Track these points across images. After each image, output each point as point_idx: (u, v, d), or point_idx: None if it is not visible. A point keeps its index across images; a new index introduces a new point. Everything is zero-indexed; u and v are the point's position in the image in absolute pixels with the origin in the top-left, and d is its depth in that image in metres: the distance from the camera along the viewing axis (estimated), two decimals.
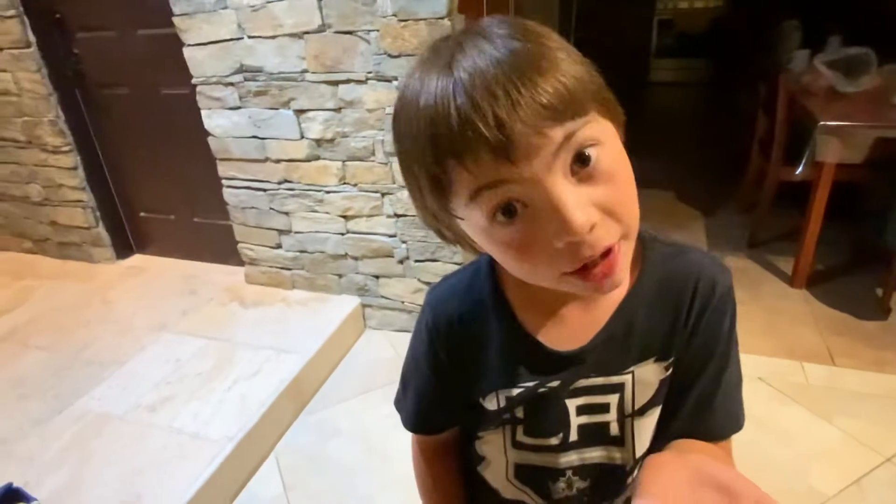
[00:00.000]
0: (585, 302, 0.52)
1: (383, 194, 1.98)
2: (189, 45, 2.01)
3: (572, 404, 0.53)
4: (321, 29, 1.78)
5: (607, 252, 0.40)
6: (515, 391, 0.54)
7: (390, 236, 2.05)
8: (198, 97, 2.09)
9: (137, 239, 2.86)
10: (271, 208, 2.20)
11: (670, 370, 0.52)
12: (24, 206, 2.83)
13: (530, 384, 0.53)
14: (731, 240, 2.71)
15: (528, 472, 0.58)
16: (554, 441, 0.55)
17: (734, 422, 0.54)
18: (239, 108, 2.04)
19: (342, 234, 2.13)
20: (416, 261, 2.05)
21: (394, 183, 1.95)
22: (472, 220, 0.41)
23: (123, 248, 2.84)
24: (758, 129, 2.80)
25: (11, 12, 2.29)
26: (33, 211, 2.82)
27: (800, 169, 2.08)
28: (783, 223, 2.69)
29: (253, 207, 2.24)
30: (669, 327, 0.51)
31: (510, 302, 0.54)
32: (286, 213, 2.18)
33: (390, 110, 1.80)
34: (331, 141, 1.96)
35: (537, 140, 0.37)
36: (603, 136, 0.40)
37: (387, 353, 2.13)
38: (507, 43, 0.38)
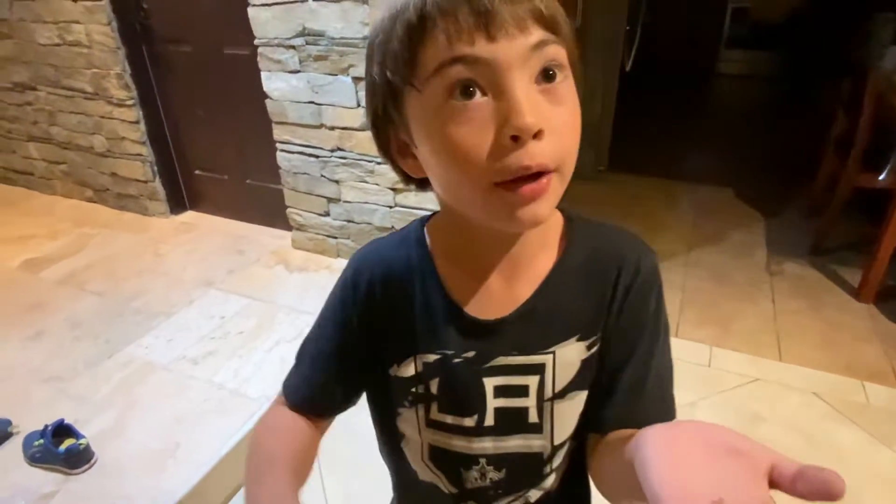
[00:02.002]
0: (510, 274, 0.51)
1: None
2: (253, 5, 2.00)
3: (490, 384, 0.51)
4: None
5: (539, 175, 0.40)
6: (432, 357, 0.52)
7: None
8: (258, 59, 2.10)
9: (191, 196, 2.93)
10: (322, 175, 2.20)
11: (593, 349, 0.51)
12: (88, 156, 2.93)
13: (448, 352, 0.52)
14: (793, 244, 2.57)
15: (441, 456, 0.56)
16: (469, 422, 0.53)
17: (666, 410, 0.52)
18: (298, 72, 2.03)
19: (390, 207, 2.11)
20: None
21: None
22: (427, 95, 0.41)
23: (177, 204, 2.92)
24: (835, 129, 2.62)
25: None
26: (96, 161, 2.92)
27: (883, 175, 1.94)
28: (852, 231, 2.52)
29: (304, 173, 2.24)
30: (594, 306, 0.51)
31: (437, 266, 0.53)
32: (336, 182, 2.18)
33: None
34: None
35: (517, 26, 0.39)
36: (567, 68, 0.43)
37: None
38: None
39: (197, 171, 2.83)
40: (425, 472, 0.58)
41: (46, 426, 1.45)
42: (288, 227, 2.47)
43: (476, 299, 0.51)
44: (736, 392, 1.74)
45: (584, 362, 0.51)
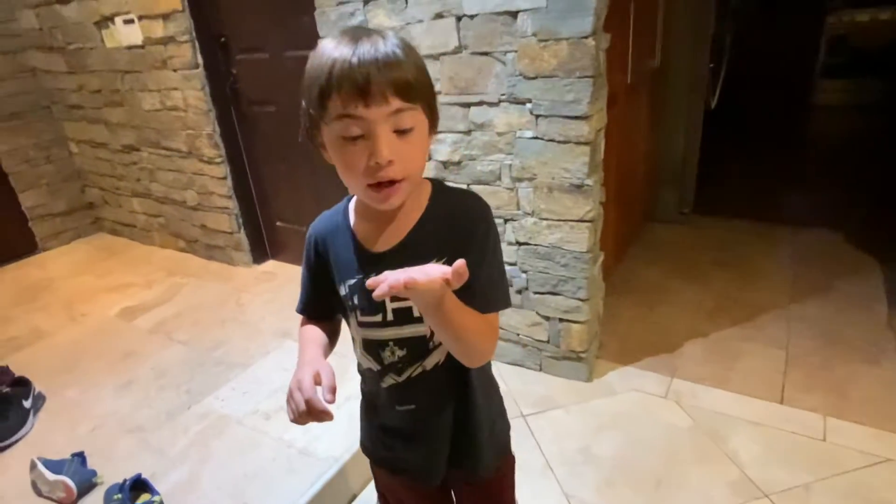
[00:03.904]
0: (394, 225, 0.76)
1: (506, 220, 1.89)
2: None
3: None
4: (457, 50, 1.75)
5: (393, 183, 0.68)
6: (352, 280, 0.79)
7: (511, 264, 1.95)
8: None
9: (272, 246, 3.05)
10: None
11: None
12: (182, 209, 3.14)
13: (360, 277, 0.78)
14: None
15: (368, 345, 0.82)
16: (378, 319, 0.78)
17: (486, 304, 0.74)
18: None
19: None
20: (536, 292, 1.93)
21: (518, 209, 1.85)
22: (332, 129, 0.67)
23: (260, 254, 3.04)
24: None
25: (185, 38, 2.56)
26: (188, 214, 3.12)
27: None
28: None
29: None
30: (444, 239, 0.75)
31: (352, 223, 0.80)
32: None
33: (521, 134, 1.73)
34: (457, 164, 1.91)
35: (382, 99, 0.63)
36: (418, 126, 0.69)
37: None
38: (394, 46, 0.65)
39: (278, 223, 2.94)
40: (364, 361, 0.84)
41: (125, 480, 1.49)
42: None
43: (373, 240, 0.78)
44: (860, 475, 1.50)
45: None
